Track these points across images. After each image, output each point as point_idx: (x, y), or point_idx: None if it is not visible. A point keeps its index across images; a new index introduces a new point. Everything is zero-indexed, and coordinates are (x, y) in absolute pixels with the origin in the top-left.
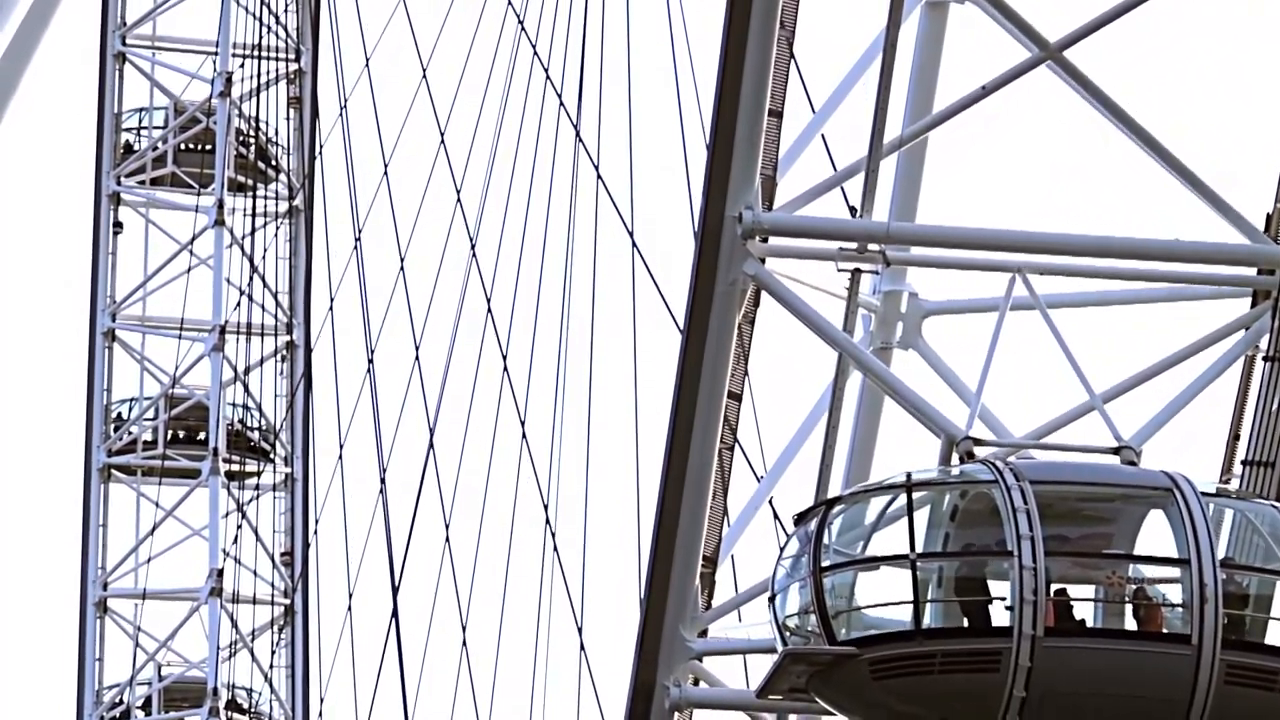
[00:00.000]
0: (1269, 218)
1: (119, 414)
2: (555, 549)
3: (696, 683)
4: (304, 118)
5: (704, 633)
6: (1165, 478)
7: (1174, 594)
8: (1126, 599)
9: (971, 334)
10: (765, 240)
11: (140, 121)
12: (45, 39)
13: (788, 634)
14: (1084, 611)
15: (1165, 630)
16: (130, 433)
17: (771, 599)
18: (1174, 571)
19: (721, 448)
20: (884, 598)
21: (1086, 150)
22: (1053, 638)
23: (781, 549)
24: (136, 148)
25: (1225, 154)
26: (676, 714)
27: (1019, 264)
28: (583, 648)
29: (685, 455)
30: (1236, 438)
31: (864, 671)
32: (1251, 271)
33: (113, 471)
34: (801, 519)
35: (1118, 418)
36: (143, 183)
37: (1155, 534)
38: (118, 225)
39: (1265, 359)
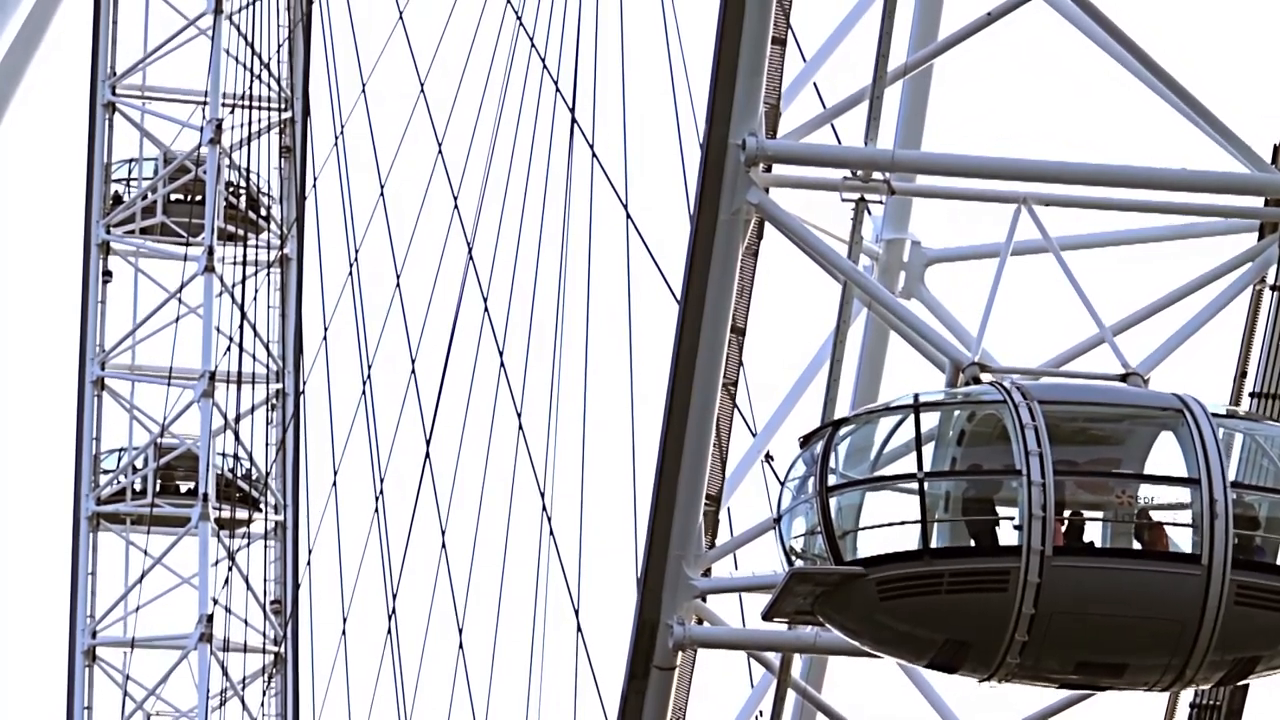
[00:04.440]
0: (1276, 149)
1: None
2: (551, 532)
3: (700, 621)
4: (295, 166)
5: (708, 572)
6: (1175, 399)
7: (1181, 519)
8: (1135, 519)
9: (975, 283)
10: (769, 169)
11: (130, 173)
12: (32, 89)
13: (794, 556)
14: (1092, 534)
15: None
16: (119, 481)
17: (777, 521)
18: (1184, 495)
19: (725, 383)
20: (891, 518)
21: (1092, 79)
22: (1062, 556)
23: (787, 471)
24: (126, 198)
25: (1233, 85)
26: (680, 652)
27: (1024, 194)
28: (580, 630)
29: (689, 389)
30: (1244, 374)
31: (871, 592)
32: (1259, 203)
33: (101, 520)
34: (807, 441)
35: (1124, 352)
36: (131, 232)
37: (1164, 459)
38: (107, 274)
39: (1273, 288)
